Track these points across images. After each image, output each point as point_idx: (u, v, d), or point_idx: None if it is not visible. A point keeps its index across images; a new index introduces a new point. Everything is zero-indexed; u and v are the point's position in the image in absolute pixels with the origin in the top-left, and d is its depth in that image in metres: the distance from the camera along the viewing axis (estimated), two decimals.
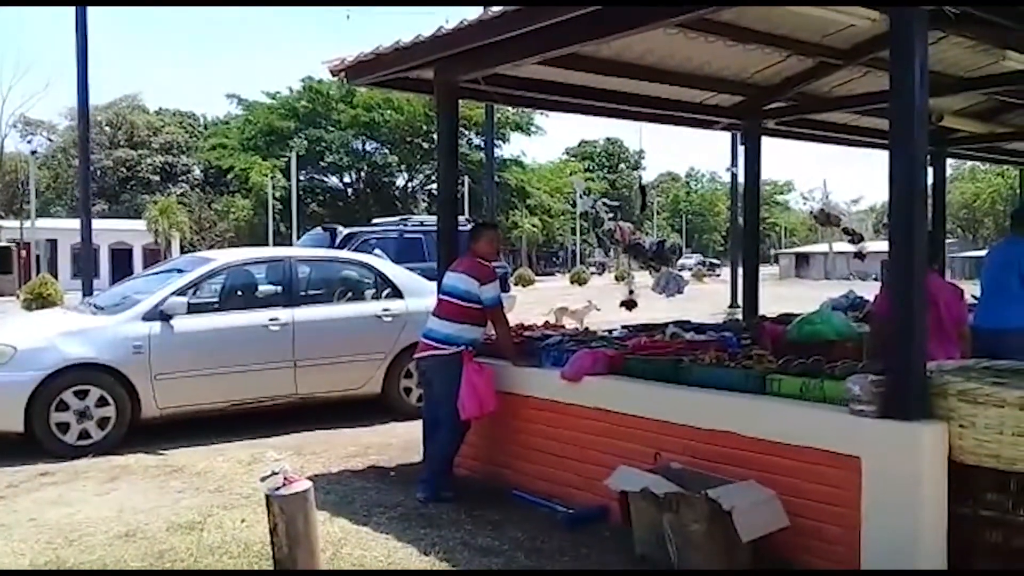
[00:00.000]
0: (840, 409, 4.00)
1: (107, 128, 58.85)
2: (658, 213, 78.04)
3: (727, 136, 18.13)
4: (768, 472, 4.18)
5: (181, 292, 7.54)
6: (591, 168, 75.62)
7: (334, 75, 6.54)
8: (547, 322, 7.15)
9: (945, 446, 3.77)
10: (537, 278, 48.12)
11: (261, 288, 8.46)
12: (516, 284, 36.61)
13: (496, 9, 5.08)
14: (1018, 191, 39.12)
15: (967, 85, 7.34)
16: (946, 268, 11.80)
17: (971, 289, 6.66)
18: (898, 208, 3.88)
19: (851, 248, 8.41)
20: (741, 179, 9.03)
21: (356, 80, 6.46)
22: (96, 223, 19.62)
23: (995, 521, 3.80)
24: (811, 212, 7.47)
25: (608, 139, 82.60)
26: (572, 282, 44.42)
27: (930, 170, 9.92)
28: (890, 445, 3.77)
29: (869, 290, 7.30)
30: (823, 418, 4.06)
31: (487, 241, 5.80)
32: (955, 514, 3.82)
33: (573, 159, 79.04)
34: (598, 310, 14.03)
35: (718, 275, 50.59)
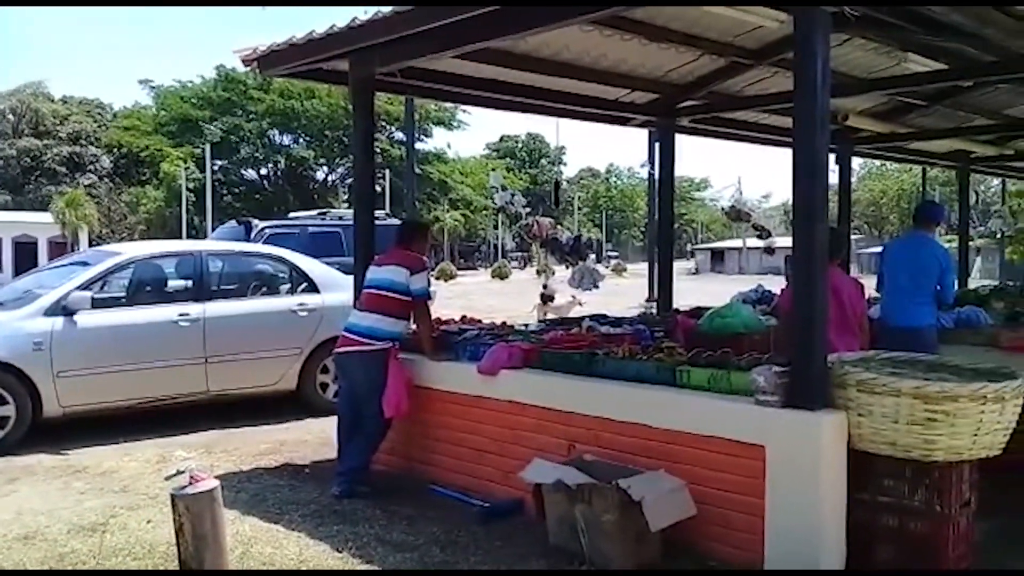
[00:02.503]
0: (746, 400, 4.11)
1: (10, 116, 56.24)
2: (579, 209, 78.74)
3: (645, 133, 18.41)
4: (678, 462, 4.27)
5: (85, 287, 7.27)
6: (512, 166, 75.80)
7: (246, 65, 6.40)
8: (464, 316, 7.14)
9: (845, 434, 3.92)
10: (459, 272, 48.12)
11: (171, 282, 8.21)
12: (438, 278, 36.55)
13: (402, 8, 5.06)
14: (921, 189, 40.80)
15: (871, 86, 7.60)
16: (851, 263, 12.25)
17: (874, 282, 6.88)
18: (801, 204, 4.00)
19: (763, 243, 8.64)
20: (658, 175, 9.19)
21: (269, 71, 6.34)
22: None
23: (892, 506, 3.97)
24: (723, 208, 7.65)
25: (529, 134, 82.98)
26: (494, 276, 44.55)
27: (837, 168, 10.29)
28: (793, 434, 3.89)
29: (778, 284, 7.50)
30: (730, 408, 4.16)
31: (424, 242, 5.92)
32: (855, 500, 3.98)
33: (495, 154, 79.11)
34: (581, 305, 13.86)
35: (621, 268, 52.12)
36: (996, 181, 19.88)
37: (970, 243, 14.86)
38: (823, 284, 4.03)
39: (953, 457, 3.80)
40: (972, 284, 13.54)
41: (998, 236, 22.76)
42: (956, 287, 7.19)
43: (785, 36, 6.07)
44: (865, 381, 3.86)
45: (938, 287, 6.05)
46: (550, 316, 12.91)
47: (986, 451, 3.86)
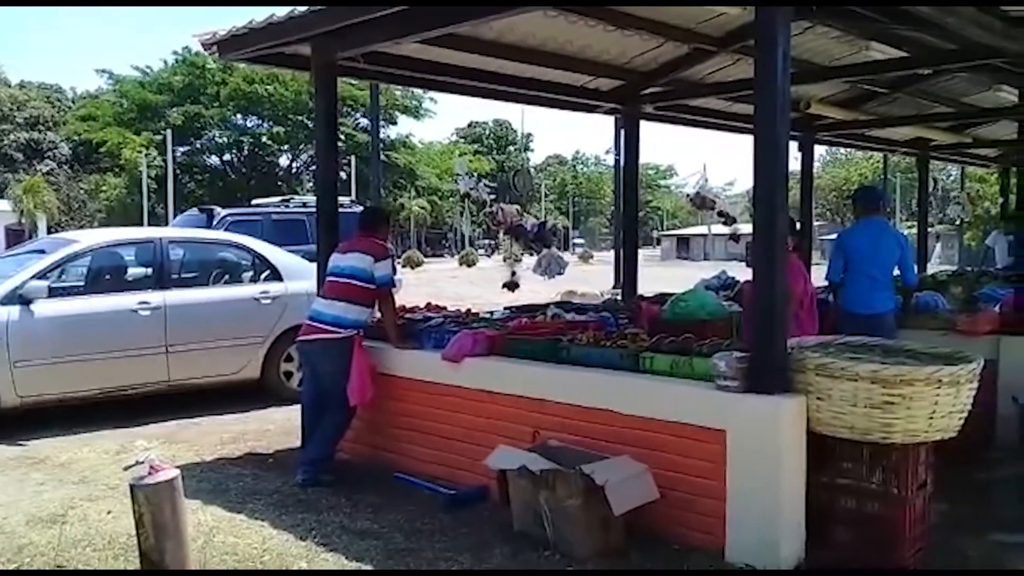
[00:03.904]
0: (708, 385, 4.15)
1: None
2: (546, 196, 78.74)
3: (612, 120, 18.43)
4: (642, 447, 4.30)
5: (42, 275, 7.15)
6: (480, 150, 75.59)
7: (206, 49, 6.30)
8: (429, 303, 7.12)
9: (804, 418, 3.96)
10: (426, 260, 47.94)
11: (130, 271, 8.08)
12: (404, 266, 36.36)
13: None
14: (883, 176, 41.36)
15: (833, 74, 7.68)
16: (814, 249, 12.40)
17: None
18: (761, 192, 4.02)
19: (727, 230, 8.68)
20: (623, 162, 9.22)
21: (229, 55, 6.24)
22: None
23: (850, 488, 4.04)
24: (687, 195, 7.69)
25: (496, 121, 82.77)
26: (461, 264, 44.44)
27: (799, 155, 10.39)
28: (753, 418, 3.93)
29: (742, 271, 7.55)
30: (692, 394, 4.19)
31: (388, 229, 5.93)
32: (814, 482, 4.04)
33: (462, 140, 78.81)
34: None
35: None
36: (956, 168, 20.22)
37: (929, 229, 15.10)
38: (783, 270, 4.06)
39: (910, 440, 3.86)
40: (931, 270, 13.79)
41: (957, 223, 23.13)
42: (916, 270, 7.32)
43: (748, 23, 6.09)
44: (824, 365, 3.91)
45: (898, 270, 6.17)
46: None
47: (941, 434, 3.92)
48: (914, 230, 14.19)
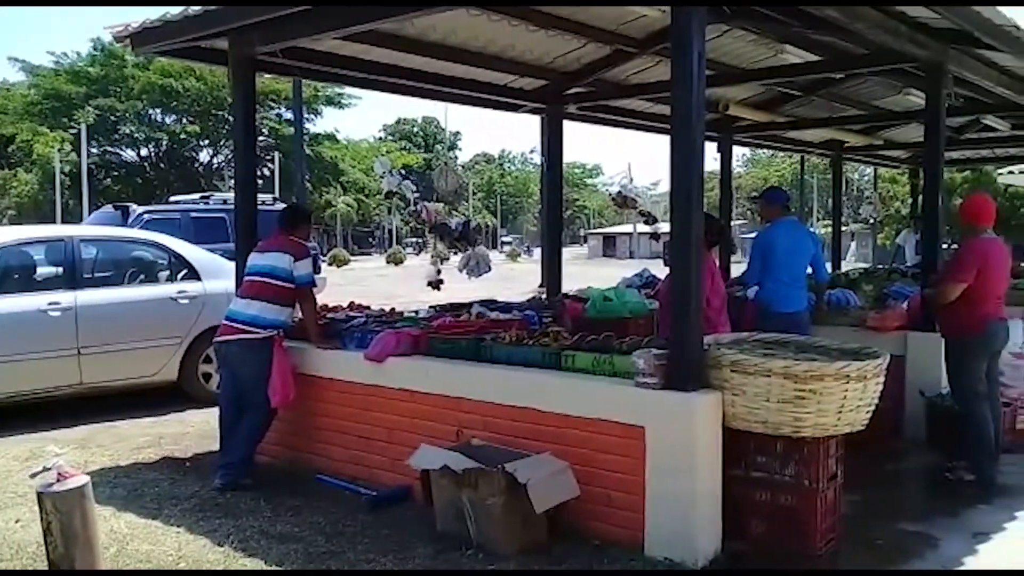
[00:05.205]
0: (627, 382, 4.20)
1: None
2: (473, 194, 78.74)
3: (538, 120, 18.48)
4: (564, 444, 4.33)
5: None
6: (408, 147, 75.15)
7: (119, 41, 6.13)
8: (352, 303, 7.05)
9: (720, 414, 4.06)
10: (353, 258, 47.52)
11: (40, 270, 7.79)
12: (330, 264, 35.98)
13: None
14: (800, 176, 42.54)
15: (750, 76, 7.87)
16: (735, 249, 12.67)
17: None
18: (678, 191, 4.09)
19: (649, 229, 8.81)
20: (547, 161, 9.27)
21: (143, 48, 6.06)
22: None
23: (764, 481, 4.16)
24: (610, 195, 7.77)
25: (425, 118, 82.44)
26: (389, 262, 44.20)
27: (719, 156, 10.61)
28: (671, 414, 4.00)
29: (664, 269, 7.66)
30: (612, 391, 4.24)
31: (308, 228, 5.85)
32: (730, 476, 4.13)
33: (391, 137, 78.25)
34: None
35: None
36: (869, 169, 20.92)
37: (844, 228, 15.60)
38: (699, 269, 4.14)
39: (820, 433, 3.99)
40: (846, 267, 14.25)
41: (870, 222, 23.93)
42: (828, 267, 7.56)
43: (668, 26, 6.21)
44: (738, 362, 4.01)
45: (811, 268, 6.36)
46: None
47: (850, 427, 4.07)
48: (830, 229, 14.63)
